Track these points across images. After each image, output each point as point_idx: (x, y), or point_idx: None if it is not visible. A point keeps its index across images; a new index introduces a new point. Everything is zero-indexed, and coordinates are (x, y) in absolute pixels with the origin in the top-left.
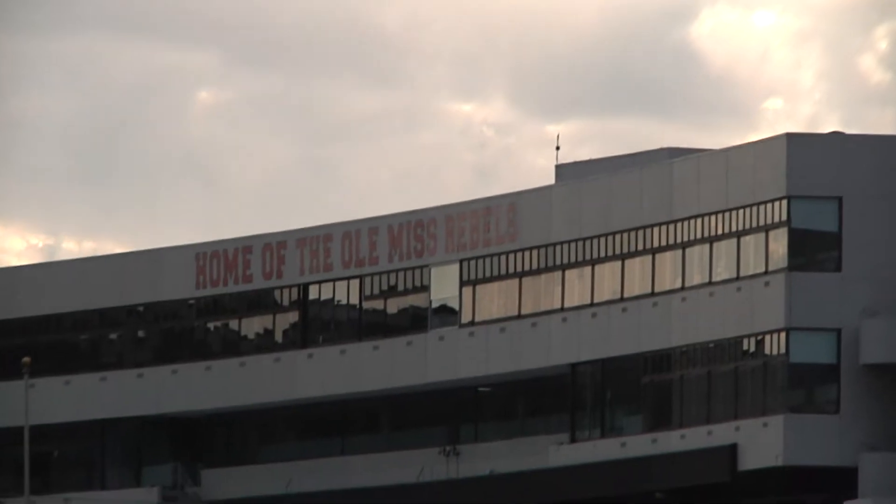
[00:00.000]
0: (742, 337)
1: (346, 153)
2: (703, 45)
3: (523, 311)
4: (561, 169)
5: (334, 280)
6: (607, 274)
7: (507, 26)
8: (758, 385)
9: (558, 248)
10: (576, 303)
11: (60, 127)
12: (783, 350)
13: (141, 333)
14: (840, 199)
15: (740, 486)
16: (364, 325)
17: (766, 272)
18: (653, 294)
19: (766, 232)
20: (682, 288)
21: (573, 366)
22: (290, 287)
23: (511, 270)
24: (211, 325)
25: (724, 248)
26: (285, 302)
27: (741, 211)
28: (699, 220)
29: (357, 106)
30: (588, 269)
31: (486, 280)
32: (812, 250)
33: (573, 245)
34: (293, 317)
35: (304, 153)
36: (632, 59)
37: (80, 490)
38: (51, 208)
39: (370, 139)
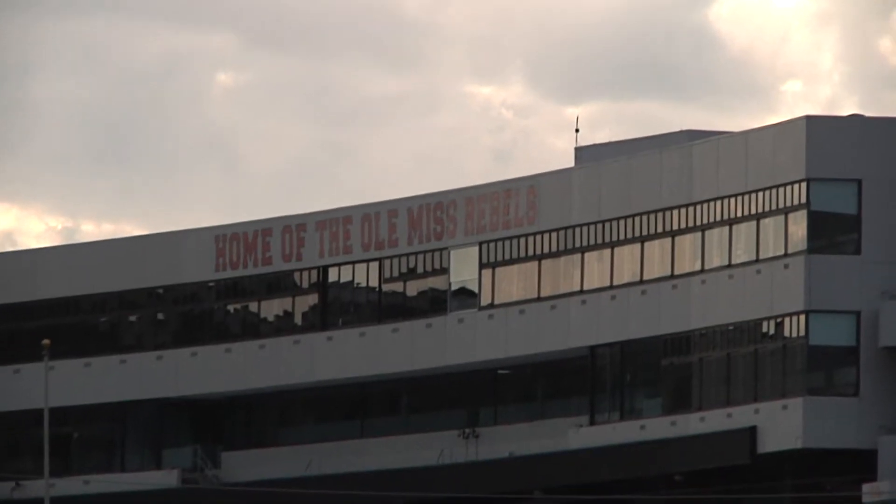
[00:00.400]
0: (761, 319)
1: (366, 136)
2: (723, 27)
3: (542, 294)
4: (580, 151)
5: (354, 262)
6: (627, 256)
7: (526, 8)
8: (777, 367)
9: (578, 230)
10: (595, 285)
11: (79, 110)
12: (803, 332)
13: (160, 316)
14: (859, 182)
15: (760, 468)
16: (383, 308)
17: (785, 255)
18: (672, 277)
19: (786, 214)
20: (702, 270)
21: (592, 348)
22: (309, 269)
23: (530, 253)
24: (230, 308)
25: (744, 231)
26: (305, 284)
27: (761, 193)
28: (719, 203)
29: (376, 89)
30: (607, 251)
31: (505, 263)
32: (831, 233)
33: (592, 228)
34: (313, 299)
35: (324, 136)
36: (651, 42)
37: (99, 472)
38: (70, 191)
39: (389, 122)
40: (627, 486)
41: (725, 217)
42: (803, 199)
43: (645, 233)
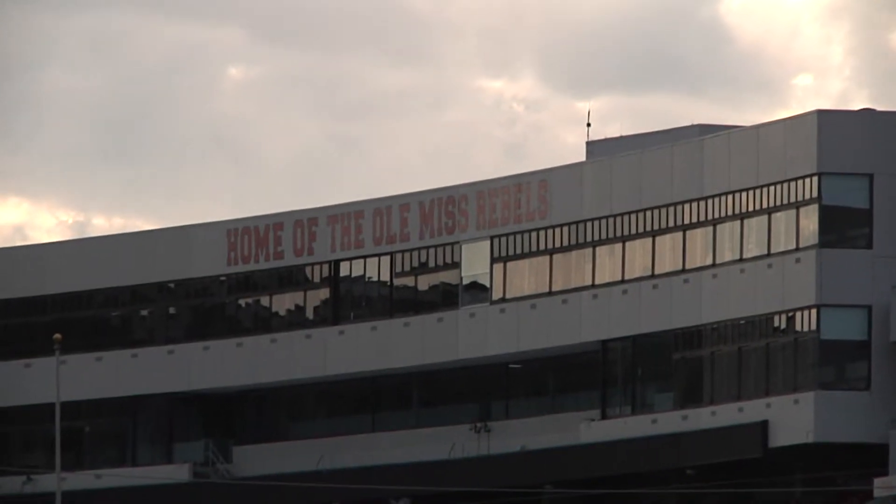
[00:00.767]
0: (773, 314)
1: (376, 130)
2: (733, 20)
3: (554, 288)
4: (592, 145)
5: (365, 257)
6: (638, 250)
7: (537, 2)
8: (789, 362)
9: (589, 224)
10: (607, 279)
11: (90, 104)
12: (814, 327)
13: (172, 310)
14: (871, 176)
15: (771, 462)
16: (395, 302)
17: (797, 249)
18: (684, 271)
19: (797, 209)
20: (713, 265)
21: (604, 342)
22: (321, 263)
23: (542, 247)
24: (242, 302)
25: (755, 225)
26: (316, 278)
27: (772, 188)
28: (730, 197)
29: (387, 83)
30: (619, 245)
31: (516, 257)
32: (843, 227)
33: (604, 222)
34: (324, 293)
35: (334, 130)
36: (662, 35)
37: (111, 466)
38: (80, 185)
39: (400, 116)
40: (639, 480)
41: (737, 211)
42: (814, 194)
43: (656, 227)
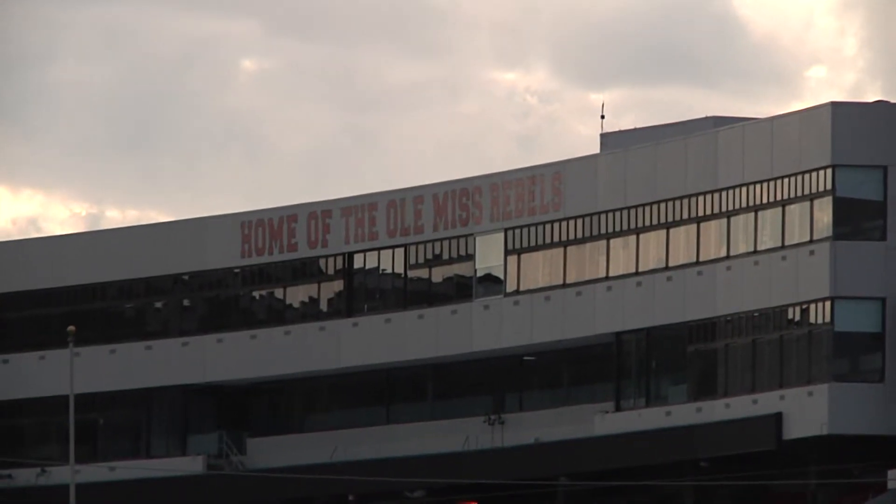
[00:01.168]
0: (787, 306)
1: (390, 122)
2: (747, 12)
3: (568, 280)
4: (605, 137)
5: (379, 249)
6: (652, 243)
7: None
8: (803, 354)
9: (603, 216)
10: (621, 272)
11: (104, 96)
12: (828, 319)
13: (186, 302)
14: (885, 168)
15: (785, 454)
16: (409, 294)
17: (811, 241)
18: (698, 263)
19: (811, 201)
20: (727, 257)
21: (618, 335)
22: (335, 256)
23: (556, 239)
24: (256, 294)
25: (769, 217)
26: (330, 270)
27: (786, 180)
28: (744, 189)
29: (401, 75)
30: (633, 237)
31: (530, 249)
32: (857, 219)
33: (618, 214)
34: (338, 285)
35: (348, 122)
36: (675, 27)
37: (125, 458)
38: (94, 177)
39: (413, 108)
40: (653, 472)
41: (751, 203)
42: (828, 186)
43: (670, 219)
